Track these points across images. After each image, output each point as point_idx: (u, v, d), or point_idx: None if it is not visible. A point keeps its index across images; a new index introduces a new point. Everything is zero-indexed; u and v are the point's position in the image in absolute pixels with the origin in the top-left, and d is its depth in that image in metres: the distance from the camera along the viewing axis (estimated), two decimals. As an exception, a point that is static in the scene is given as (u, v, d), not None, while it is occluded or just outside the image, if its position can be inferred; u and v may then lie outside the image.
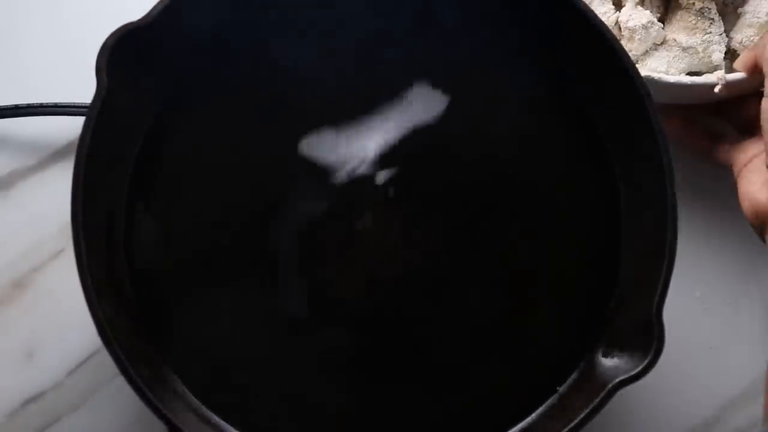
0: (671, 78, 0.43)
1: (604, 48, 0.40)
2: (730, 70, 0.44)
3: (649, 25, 0.45)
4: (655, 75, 0.43)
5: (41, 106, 0.46)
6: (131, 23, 0.37)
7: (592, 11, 0.40)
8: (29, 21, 0.49)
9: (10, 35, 0.49)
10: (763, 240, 0.42)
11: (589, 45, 0.40)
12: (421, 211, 0.43)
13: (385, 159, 0.42)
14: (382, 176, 0.42)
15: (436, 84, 0.43)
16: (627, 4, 0.46)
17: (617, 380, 0.37)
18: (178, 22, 0.39)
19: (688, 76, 0.44)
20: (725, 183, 0.48)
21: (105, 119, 0.37)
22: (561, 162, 0.43)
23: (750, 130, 0.44)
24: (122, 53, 0.37)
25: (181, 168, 0.42)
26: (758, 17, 0.45)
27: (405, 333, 0.42)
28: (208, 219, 0.42)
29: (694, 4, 0.45)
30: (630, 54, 0.41)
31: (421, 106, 0.43)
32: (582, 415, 0.37)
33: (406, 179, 0.42)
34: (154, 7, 0.38)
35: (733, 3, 0.46)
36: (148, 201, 0.41)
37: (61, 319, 0.45)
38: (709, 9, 0.45)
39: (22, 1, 0.49)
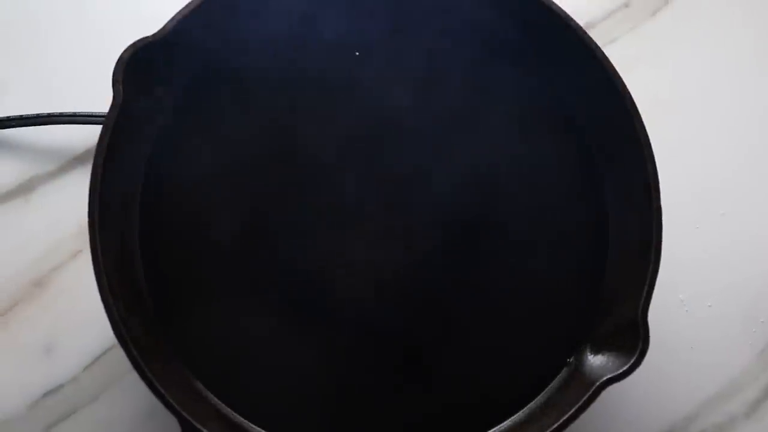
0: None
1: (593, 64, 0.41)
2: None
3: None
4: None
5: (61, 115, 0.46)
6: (146, 37, 0.38)
7: (567, 15, 0.41)
8: (51, 37, 0.50)
9: (32, 50, 0.49)
10: None
11: (580, 61, 0.41)
12: (413, 217, 0.44)
13: (381, 172, 0.44)
14: (379, 188, 0.44)
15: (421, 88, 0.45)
16: None
17: (604, 378, 0.37)
18: (191, 37, 0.40)
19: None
20: (709, 188, 0.50)
21: (120, 128, 0.38)
22: (550, 170, 0.44)
23: None
24: (137, 66, 0.38)
25: (191, 173, 0.43)
26: None
27: (402, 331, 0.43)
28: (219, 221, 0.43)
29: None
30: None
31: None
32: (570, 411, 0.38)
33: (403, 188, 0.44)
34: (168, 22, 0.39)
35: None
36: (160, 204, 0.42)
37: (78, 316, 0.45)
38: None
39: (44, 20, 0.50)
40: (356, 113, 0.44)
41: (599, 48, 0.41)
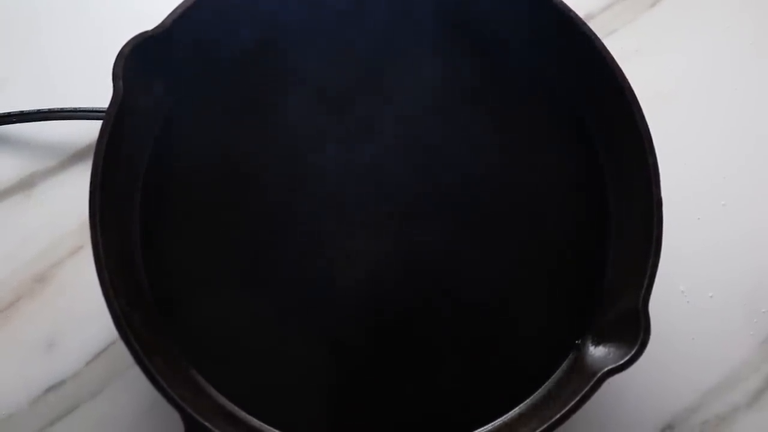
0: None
1: (592, 55, 0.41)
2: None
3: None
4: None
5: (61, 110, 0.46)
6: (146, 32, 0.38)
7: (567, 6, 0.41)
8: (50, 32, 0.50)
9: (33, 45, 0.49)
10: None
11: (580, 52, 0.41)
12: (415, 208, 0.44)
13: (384, 170, 0.44)
14: (379, 178, 0.44)
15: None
16: None
17: (606, 369, 0.37)
18: (191, 32, 0.40)
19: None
20: (710, 179, 0.50)
21: (121, 123, 0.38)
22: (550, 162, 0.44)
23: None
24: (137, 61, 0.38)
25: (192, 167, 0.43)
26: None
27: (405, 323, 0.43)
28: (219, 215, 0.43)
29: None
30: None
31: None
32: (572, 403, 0.38)
33: (403, 182, 0.44)
34: (168, 17, 0.39)
35: None
36: (161, 198, 0.42)
37: (79, 311, 0.45)
38: None
39: (44, 16, 0.50)
40: (355, 103, 0.44)
41: (599, 39, 0.41)
